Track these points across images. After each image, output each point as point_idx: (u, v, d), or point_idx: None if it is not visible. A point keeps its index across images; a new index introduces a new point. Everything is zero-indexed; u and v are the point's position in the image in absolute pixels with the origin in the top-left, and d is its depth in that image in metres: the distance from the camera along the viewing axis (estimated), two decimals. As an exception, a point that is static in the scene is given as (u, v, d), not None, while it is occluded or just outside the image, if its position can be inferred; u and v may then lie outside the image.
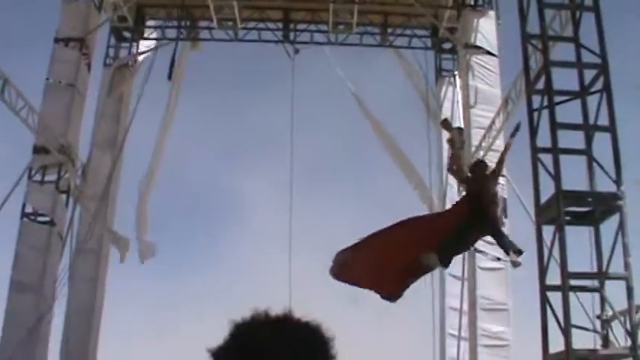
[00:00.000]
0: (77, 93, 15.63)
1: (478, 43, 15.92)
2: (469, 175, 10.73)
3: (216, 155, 27.67)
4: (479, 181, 10.16)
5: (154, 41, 18.34)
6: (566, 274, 9.05)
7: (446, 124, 16.78)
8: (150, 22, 18.76)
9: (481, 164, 10.82)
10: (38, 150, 15.00)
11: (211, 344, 1.58)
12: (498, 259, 14.86)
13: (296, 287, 15.94)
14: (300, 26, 18.64)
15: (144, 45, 18.29)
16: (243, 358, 1.52)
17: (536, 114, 10.02)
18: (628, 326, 9.17)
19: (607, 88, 9.76)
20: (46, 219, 14.87)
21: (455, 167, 16.05)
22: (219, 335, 1.61)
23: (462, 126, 16.18)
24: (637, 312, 9.46)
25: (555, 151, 9.50)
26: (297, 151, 17.97)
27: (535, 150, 9.84)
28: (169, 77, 16.74)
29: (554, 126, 9.58)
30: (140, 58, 18.18)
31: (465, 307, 15.49)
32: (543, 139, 9.95)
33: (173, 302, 23.23)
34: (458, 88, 17.56)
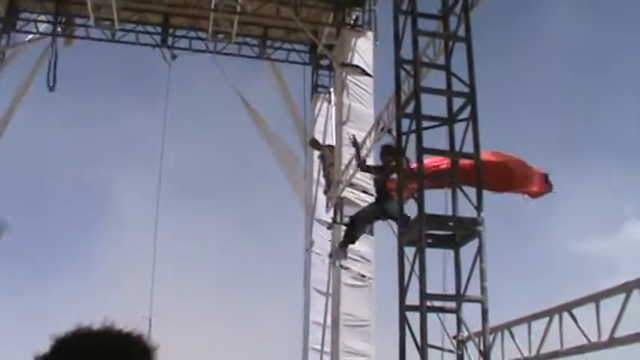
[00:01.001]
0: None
1: (355, 62, 16.17)
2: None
3: (84, 159, 26.90)
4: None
5: (26, 34, 17.71)
6: (424, 296, 9.26)
7: (314, 142, 17.01)
8: (24, 15, 18.05)
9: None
10: None
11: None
12: (363, 276, 15.11)
13: (157, 301, 15.72)
14: (180, 32, 18.43)
15: (16, 38, 17.63)
16: None
17: (404, 137, 10.23)
18: (482, 347, 9.47)
19: (473, 117, 10.07)
20: None
21: (326, 184, 16.30)
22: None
23: (334, 143, 16.42)
24: (490, 334, 9.80)
25: (421, 175, 9.72)
26: (167, 160, 17.75)
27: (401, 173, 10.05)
28: (51, 88, 16.19)
29: (421, 150, 9.80)
30: (9, 51, 17.53)
31: (329, 322, 15.64)
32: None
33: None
34: (332, 105, 17.76)
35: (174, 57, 18.13)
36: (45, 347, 1.59)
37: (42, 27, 17.84)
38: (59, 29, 17.73)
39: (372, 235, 15.37)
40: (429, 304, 9.43)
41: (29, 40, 17.66)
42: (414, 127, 10.11)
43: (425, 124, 10.16)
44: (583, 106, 28.71)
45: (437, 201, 10.14)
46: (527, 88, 29.00)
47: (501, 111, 25.49)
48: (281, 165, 17.81)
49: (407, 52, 10.75)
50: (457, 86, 10.52)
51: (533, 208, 12.89)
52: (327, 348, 15.62)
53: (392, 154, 11.55)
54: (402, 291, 9.68)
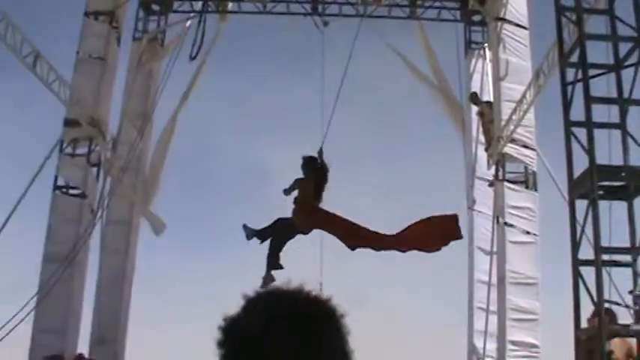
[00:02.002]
0: (107, 67, 15.70)
1: (508, 16, 15.76)
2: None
3: (243, 129, 27.69)
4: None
5: (183, 14, 18.28)
6: (599, 249, 9.01)
7: (474, 97, 16.76)
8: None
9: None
10: (69, 123, 15.09)
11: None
12: (527, 232, 14.84)
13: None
14: (329, -2, 18.51)
15: (173, 18, 18.27)
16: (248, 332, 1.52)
17: (569, 87, 9.92)
18: (661, 301, 9.14)
19: (643, 62, 9.64)
20: (78, 191, 15.02)
21: (486, 141, 16.06)
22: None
23: (492, 99, 16.12)
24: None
25: (589, 125, 9.42)
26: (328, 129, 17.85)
27: (568, 124, 9.75)
28: (193, 57, 16.59)
29: (589, 100, 9.48)
30: (168, 31, 18.22)
31: (494, 280, 15.48)
32: (574, 113, 9.88)
33: (204, 275, 23.46)
34: (487, 61, 17.41)
35: (325, 24, 18.21)
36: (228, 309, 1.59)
37: (197, 5, 18.35)
38: (211, 6, 18.16)
39: (536, 190, 15.08)
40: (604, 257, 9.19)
41: (186, 20, 18.20)
42: (579, 77, 9.78)
43: (591, 72, 9.82)
44: None
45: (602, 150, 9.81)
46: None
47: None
48: (447, 114, 17.52)
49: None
50: (621, 31, 10.10)
51: None
52: (493, 307, 15.47)
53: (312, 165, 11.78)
54: (575, 245, 9.46)
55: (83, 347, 14.96)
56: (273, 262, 11.83)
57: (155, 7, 18.37)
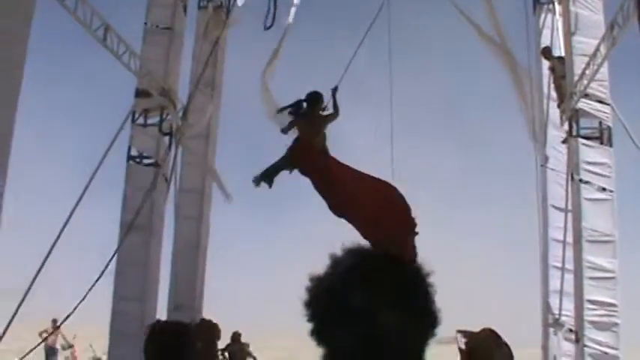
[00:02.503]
0: (175, 36, 15.86)
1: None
2: None
3: (301, 88, 27.63)
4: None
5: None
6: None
7: (546, 52, 16.42)
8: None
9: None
10: (140, 94, 15.32)
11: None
12: (604, 189, 14.55)
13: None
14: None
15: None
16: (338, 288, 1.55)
17: (647, 38, 9.64)
18: None
19: None
20: (151, 161, 15.28)
21: (558, 97, 15.75)
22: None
23: (563, 55, 15.76)
24: None
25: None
26: (395, 99, 17.72)
27: (647, 76, 9.49)
28: (268, 27, 16.35)
29: (668, 50, 9.20)
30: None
31: (569, 239, 15.26)
32: None
33: (279, 240, 23.75)
34: (557, 16, 16.98)
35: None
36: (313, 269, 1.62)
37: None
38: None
39: (611, 145, 14.76)
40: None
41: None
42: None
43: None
44: None
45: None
46: None
47: None
48: (511, 78, 17.11)
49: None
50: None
51: None
52: (569, 265, 15.27)
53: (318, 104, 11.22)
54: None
55: (162, 314, 15.34)
56: (270, 176, 11.26)
57: (220, -25, 18.42)
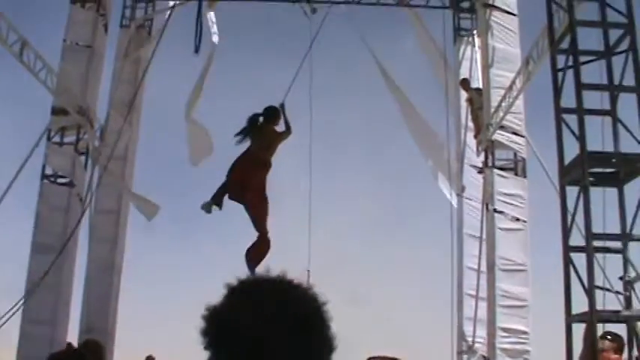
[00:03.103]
0: (95, 54, 15.58)
1: (497, 2, 15.75)
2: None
3: (227, 118, 27.54)
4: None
5: (171, 1, 18.10)
6: (590, 235, 9.03)
7: (464, 83, 16.76)
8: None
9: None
10: (57, 111, 14.99)
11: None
12: (517, 219, 14.88)
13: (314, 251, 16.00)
14: (317, -16, 18.36)
15: (161, 5, 18.10)
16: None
17: (560, 74, 9.91)
18: (652, 286, 9.17)
19: (633, 48, 9.64)
20: (66, 180, 14.94)
21: (475, 128, 16.07)
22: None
23: (481, 86, 16.13)
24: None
25: (580, 111, 9.41)
26: (314, 119, 17.83)
27: (559, 110, 9.75)
28: (196, 50, 16.19)
29: (580, 86, 9.48)
30: (157, 18, 18.06)
31: (483, 267, 15.53)
32: (564, 100, 9.87)
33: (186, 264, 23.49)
34: (476, 48, 17.39)
35: (314, 11, 18.08)
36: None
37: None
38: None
39: (525, 176, 15.12)
40: (595, 244, 9.21)
41: (173, 7, 17.97)
42: (570, 63, 9.78)
43: (580, 59, 9.81)
44: None
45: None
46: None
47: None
48: (419, 145, 17.51)
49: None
50: (611, 17, 10.10)
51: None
52: (483, 293, 15.53)
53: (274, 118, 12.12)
54: (566, 232, 9.47)
55: (72, 337, 14.93)
56: (217, 198, 12.09)
57: (143, -6, 18.23)
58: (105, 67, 16.49)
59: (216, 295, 1.62)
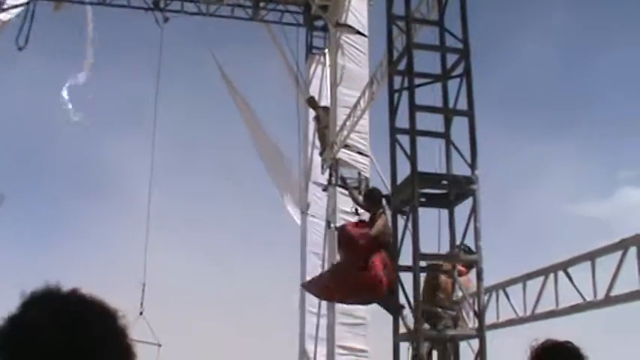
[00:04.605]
0: None
1: (349, 22, 15.88)
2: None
3: (78, 126, 26.71)
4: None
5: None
6: (418, 256, 9.11)
7: (312, 102, 16.79)
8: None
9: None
10: None
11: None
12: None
13: (151, 262, 15.64)
14: (171, -7, 18.04)
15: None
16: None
17: (396, 95, 10.01)
18: (477, 307, 9.33)
19: (467, 73, 9.86)
20: None
21: (321, 145, 16.11)
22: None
23: (329, 105, 16.20)
24: (485, 294, 9.67)
25: (413, 132, 9.52)
26: (162, 125, 17.54)
27: (394, 130, 9.84)
28: (21, 48, 15.55)
29: (413, 108, 9.59)
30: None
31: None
32: (403, 121, 9.96)
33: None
34: (327, 67, 17.50)
35: (166, 20, 17.78)
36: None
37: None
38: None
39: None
40: (423, 264, 9.32)
41: (15, 6, 17.13)
42: (405, 85, 9.90)
43: (418, 81, 9.96)
44: (579, 63, 28.62)
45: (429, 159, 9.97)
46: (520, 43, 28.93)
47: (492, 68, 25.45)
48: (265, 160, 17.56)
49: (399, 8, 10.52)
50: (451, 42, 10.32)
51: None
52: (324, 310, 15.55)
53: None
54: (396, 251, 9.55)
55: None
56: None
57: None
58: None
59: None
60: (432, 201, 9.85)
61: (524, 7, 27.30)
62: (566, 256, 9.19)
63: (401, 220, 9.53)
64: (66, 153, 27.48)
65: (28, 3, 16.35)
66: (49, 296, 1.58)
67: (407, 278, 9.30)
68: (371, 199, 11.45)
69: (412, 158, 9.35)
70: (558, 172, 28.35)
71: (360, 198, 12.36)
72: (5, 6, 17.07)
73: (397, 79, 10.17)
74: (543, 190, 28.80)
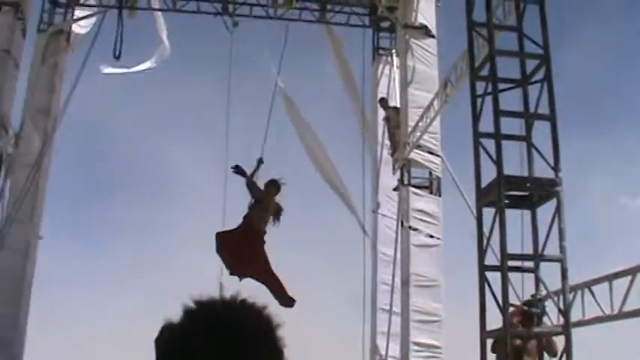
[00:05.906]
0: (11, 59, 15.19)
1: (417, 23, 16.12)
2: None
3: (147, 127, 27.39)
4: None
5: (89, 9, 17.87)
6: (505, 255, 9.40)
7: (383, 102, 17.11)
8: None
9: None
10: (-29, 117, 14.59)
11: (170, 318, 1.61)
12: (431, 236, 15.24)
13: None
14: (240, -1, 18.47)
15: (80, 12, 17.83)
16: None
17: (479, 100, 10.29)
18: (561, 305, 9.60)
19: (548, 78, 10.10)
20: (-22, 187, 14.55)
21: (391, 146, 16.39)
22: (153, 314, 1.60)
23: (398, 105, 16.47)
24: (570, 292, 9.92)
25: (498, 136, 9.81)
26: (233, 130, 17.91)
27: (477, 135, 10.13)
28: (117, 56, 16.14)
29: (498, 113, 9.87)
30: (75, 25, 17.76)
31: (397, 282, 15.83)
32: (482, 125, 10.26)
33: (102, 277, 23.17)
34: (395, 68, 17.78)
35: (235, 24, 18.16)
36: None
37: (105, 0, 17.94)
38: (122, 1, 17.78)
39: (440, 195, 15.51)
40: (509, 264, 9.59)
41: (93, 14, 17.74)
42: (489, 90, 10.17)
43: (499, 86, 10.22)
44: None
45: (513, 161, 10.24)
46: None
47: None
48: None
49: (477, 15, 10.79)
50: (529, 48, 10.56)
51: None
52: (396, 308, 15.81)
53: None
54: (481, 251, 9.83)
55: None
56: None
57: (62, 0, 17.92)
58: (22, 73, 16.08)
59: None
60: (516, 203, 10.12)
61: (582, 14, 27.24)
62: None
63: (485, 220, 9.82)
64: (133, 160, 28.12)
65: (104, 12, 16.93)
66: (209, 306, 1.62)
67: (493, 277, 9.62)
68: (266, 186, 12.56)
69: (498, 162, 9.64)
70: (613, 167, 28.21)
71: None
72: (75, 17, 17.74)
73: (479, 84, 10.45)
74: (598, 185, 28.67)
